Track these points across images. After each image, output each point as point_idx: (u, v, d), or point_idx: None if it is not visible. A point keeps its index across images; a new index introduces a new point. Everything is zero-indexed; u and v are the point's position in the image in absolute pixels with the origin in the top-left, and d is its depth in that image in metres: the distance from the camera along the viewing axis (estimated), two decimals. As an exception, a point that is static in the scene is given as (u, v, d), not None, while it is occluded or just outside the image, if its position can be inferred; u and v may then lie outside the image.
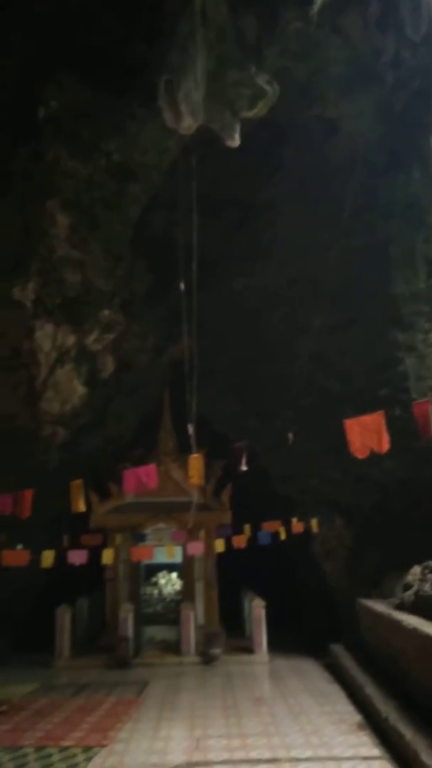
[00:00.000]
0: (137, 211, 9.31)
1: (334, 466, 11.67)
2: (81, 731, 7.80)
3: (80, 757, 6.77)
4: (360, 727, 7.66)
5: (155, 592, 15.24)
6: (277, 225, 10.00)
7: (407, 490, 11.17)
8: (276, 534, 13.01)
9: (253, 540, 13.27)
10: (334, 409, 9.90)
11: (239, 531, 13.44)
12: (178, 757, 6.74)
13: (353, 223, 8.99)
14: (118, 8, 7.60)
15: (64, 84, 8.20)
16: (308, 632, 13.57)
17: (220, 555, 13.73)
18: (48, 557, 11.58)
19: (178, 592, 14.74)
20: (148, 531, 13.81)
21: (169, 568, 15.27)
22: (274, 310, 11.08)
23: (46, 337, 9.77)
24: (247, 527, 13.43)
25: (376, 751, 6.71)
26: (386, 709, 7.30)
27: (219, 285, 10.80)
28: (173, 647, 12.93)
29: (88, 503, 11.03)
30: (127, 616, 12.68)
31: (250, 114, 7.88)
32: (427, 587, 8.44)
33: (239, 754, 6.78)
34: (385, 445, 7.10)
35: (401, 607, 8.98)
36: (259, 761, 6.51)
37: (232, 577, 14.29)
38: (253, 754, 6.75)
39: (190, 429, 8.81)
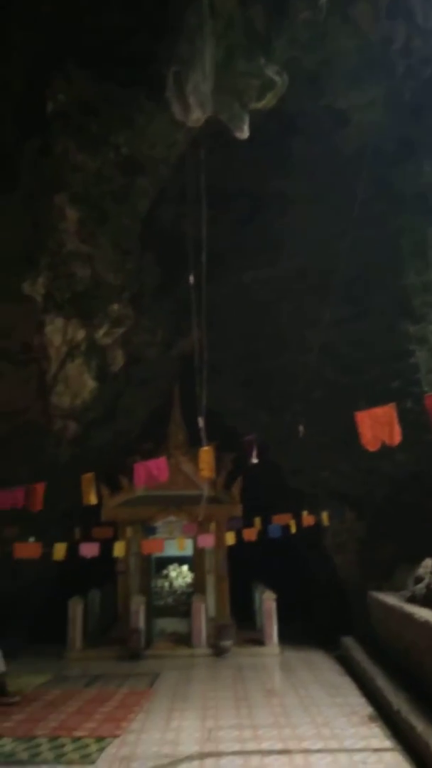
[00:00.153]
0: (146, 205, 9.29)
1: (345, 459, 11.65)
2: (94, 722, 7.88)
3: (93, 747, 6.84)
4: (371, 719, 7.68)
5: (166, 584, 15.32)
6: (287, 217, 9.92)
7: (418, 483, 11.13)
8: (287, 527, 13.01)
9: (263, 533, 13.30)
10: (344, 402, 9.84)
11: (250, 524, 13.47)
12: (190, 748, 6.79)
13: (363, 213, 8.90)
14: (126, 0, 7.55)
15: (72, 77, 8.17)
16: (319, 625, 13.59)
17: (230, 548, 13.77)
18: (60, 550, 11.67)
19: (188, 585, 14.81)
20: (158, 524, 13.87)
21: (180, 560, 15.35)
22: (284, 302, 11.03)
23: (57, 331, 9.79)
24: (257, 520, 13.45)
25: (387, 743, 6.72)
26: (398, 701, 7.31)
27: (228, 278, 10.76)
28: (184, 639, 13.01)
29: (99, 497, 11.09)
30: (138, 609, 12.77)
31: (259, 105, 7.82)
32: (438, 580, 8.42)
33: (251, 745, 6.82)
34: (397, 438, 7.05)
35: (413, 599, 8.96)
36: (270, 752, 6.54)
37: (243, 570, 14.33)
38: (265, 745, 6.79)
39: (201, 422, 8.81)
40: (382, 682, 8.29)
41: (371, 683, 8.68)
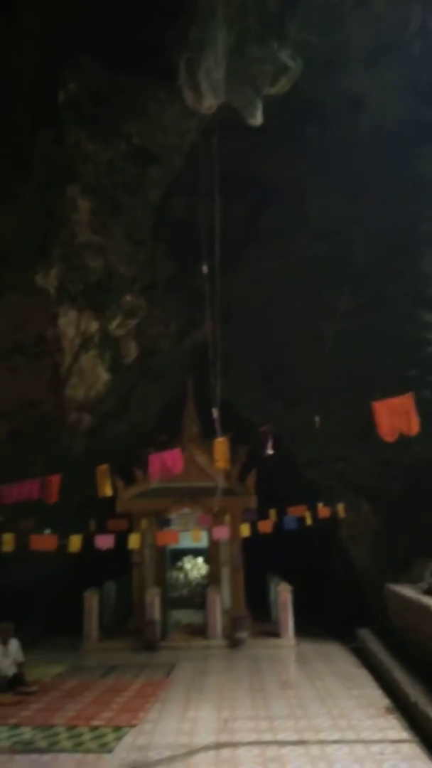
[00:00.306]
0: (158, 195, 9.25)
1: (361, 450, 11.55)
2: (110, 711, 7.91)
3: (110, 737, 6.86)
4: (388, 710, 7.61)
5: (181, 576, 15.35)
6: (301, 204, 9.81)
7: (436, 474, 11.01)
8: (302, 519, 12.95)
9: (279, 525, 13.25)
10: (360, 392, 9.75)
11: (265, 516, 13.42)
12: (206, 738, 6.78)
13: (379, 200, 8.78)
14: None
15: (83, 67, 8.13)
16: (335, 617, 13.54)
17: (246, 540, 13.74)
18: (75, 542, 11.73)
19: (203, 577, 14.82)
20: (173, 516, 13.87)
21: (195, 552, 15.36)
22: (298, 292, 10.93)
23: (70, 323, 9.81)
24: (272, 512, 13.40)
25: (404, 735, 6.66)
26: (415, 693, 7.24)
27: (242, 267, 10.67)
28: (200, 631, 13.02)
29: (114, 489, 11.11)
30: (153, 600, 12.80)
31: (273, 90, 7.72)
32: (456, 572, 8.32)
33: (267, 736, 6.79)
34: (415, 428, 6.95)
35: (430, 591, 8.88)
36: (286, 743, 6.50)
37: (258, 562, 14.31)
38: (281, 736, 6.75)
39: (215, 413, 8.77)
40: (399, 674, 8.22)
41: (388, 675, 8.62)
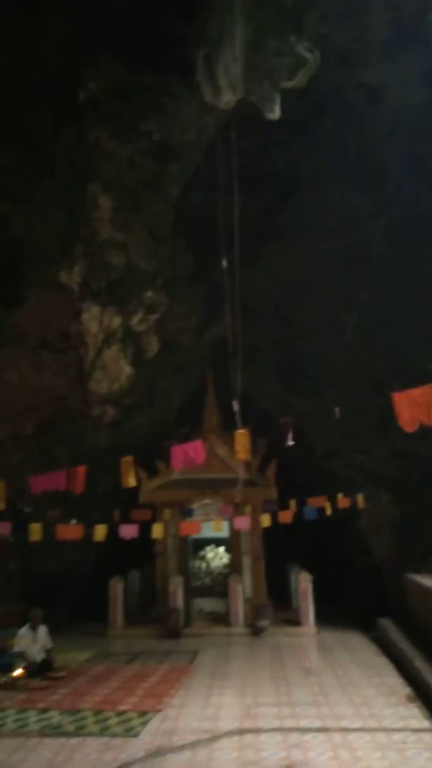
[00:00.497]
0: (178, 191, 9.31)
1: (380, 441, 11.56)
2: (136, 696, 8.12)
3: (136, 721, 7.05)
4: (410, 699, 7.69)
5: (203, 565, 15.55)
6: (320, 198, 9.79)
7: (456, 465, 10.99)
8: (322, 509, 13.03)
9: (299, 515, 13.35)
10: (379, 384, 9.76)
11: (285, 507, 13.53)
12: (230, 724, 6.92)
13: (398, 193, 8.73)
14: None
15: (102, 65, 8.21)
16: (355, 606, 13.63)
17: (266, 530, 13.88)
18: (100, 531, 11.98)
19: (225, 566, 15.01)
20: (195, 506, 14.05)
21: (216, 542, 15.54)
22: (317, 285, 10.92)
23: (93, 319, 9.98)
24: (292, 503, 13.51)
25: (426, 723, 6.73)
26: (436, 682, 7.31)
27: (261, 262, 10.71)
28: (222, 619, 13.23)
29: (137, 480, 11.32)
30: (176, 589, 13.03)
31: (291, 84, 7.72)
32: None
33: (289, 723, 6.91)
34: (435, 419, 6.96)
35: (451, 582, 8.91)
36: (309, 730, 6.62)
37: (279, 552, 14.44)
38: (303, 723, 6.86)
39: (235, 405, 8.87)
40: (420, 663, 8.30)
41: (409, 664, 8.70)
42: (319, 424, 12.48)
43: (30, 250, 8.68)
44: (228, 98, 7.86)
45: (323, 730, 6.60)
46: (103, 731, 6.73)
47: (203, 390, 14.84)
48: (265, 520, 13.56)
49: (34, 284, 8.91)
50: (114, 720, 7.13)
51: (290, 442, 9.47)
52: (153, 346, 11.10)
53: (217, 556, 15.55)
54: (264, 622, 12.56)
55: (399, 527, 12.54)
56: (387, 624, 11.23)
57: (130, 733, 6.65)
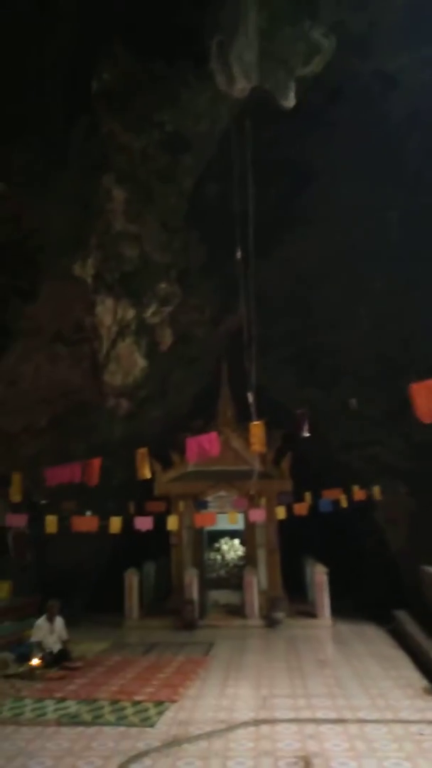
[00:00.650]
0: (191, 182, 9.24)
1: (397, 433, 11.46)
2: (152, 687, 8.17)
3: (152, 711, 7.10)
4: (426, 691, 7.66)
5: (218, 557, 15.60)
6: (334, 188, 9.67)
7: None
8: (337, 501, 12.98)
9: (314, 507, 13.31)
10: (396, 375, 9.67)
11: (300, 499, 13.50)
12: (246, 714, 6.95)
13: (415, 182, 8.60)
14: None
15: (116, 56, 8.14)
16: (371, 598, 13.58)
17: (281, 522, 13.86)
18: (115, 523, 12.05)
19: (240, 558, 15.04)
20: (209, 498, 14.08)
21: (231, 534, 15.57)
22: (332, 275, 10.82)
23: (107, 311, 9.95)
24: (307, 495, 13.47)
25: (443, 716, 6.71)
26: (453, 675, 7.26)
27: (275, 252, 10.62)
28: (237, 611, 13.26)
29: (152, 472, 11.34)
30: (192, 581, 13.08)
31: (306, 71, 7.61)
32: None
33: (305, 714, 6.92)
34: (453, 410, 6.86)
35: (468, 575, 8.83)
36: (325, 721, 6.61)
37: (294, 544, 14.42)
38: (319, 714, 6.87)
39: (250, 397, 8.84)
40: (437, 656, 8.25)
41: (425, 656, 8.65)
42: (334, 416, 12.41)
43: (44, 242, 8.66)
44: (242, 86, 7.77)
45: (339, 721, 6.60)
46: (120, 721, 6.80)
47: (217, 382, 14.84)
48: (280, 513, 13.54)
49: (48, 277, 8.90)
50: (130, 710, 7.18)
51: (306, 434, 9.42)
52: (167, 338, 11.08)
53: (232, 549, 15.58)
54: (279, 614, 12.57)
55: (415, 519, 12.45)
56: (403, 616, 11.19)
57: (146, 722, 6.70)
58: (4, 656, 9.58)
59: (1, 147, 8.03)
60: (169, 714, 7.04)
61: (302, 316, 11.84)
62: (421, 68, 8.23)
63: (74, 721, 6.83)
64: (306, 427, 9.53)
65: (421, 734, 6.12)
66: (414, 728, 6.31)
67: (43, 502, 11.47)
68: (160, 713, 7.03)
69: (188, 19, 7.83)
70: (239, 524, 13.98)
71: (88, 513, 11.47)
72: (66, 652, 9.59)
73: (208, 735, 6.27)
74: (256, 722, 6.66)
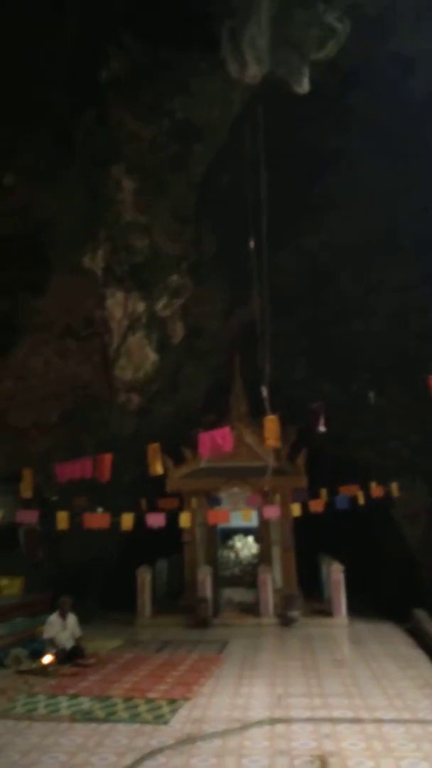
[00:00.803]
0: (202, 171, 9.10)
1: (415, 428, 11.24)
2: (165, 685, 8.06)
3: (165, 709, 6.99)
4: (446, 691, 7.47)
5: (232, 555, 15.45)
6: (349, 175, 9.47)
7: None
8: (354, 498, 12.78)
9: (330, 504, 13.11)
10: (413, 369, 9.45)
11: (316, 496, 13.30)
12: (261, 713, 6.82)
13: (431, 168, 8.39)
14: None
15: (124, 43, 8.03)
16: (388, 597, 13.36)
17: (297, 519, 13.68)
18: (127, 520, 11.94)
19: (254, 556, 14.88)
20: (222, 495, 13.93)
21: (245, 531, 15.41)
22: (348, 265, 10.61)
23: (117, 304, 9.85)
24: (323, 491, 13.27)
25: (463, 717, 6.52)
26: (475, 674, 7.06)
27: (289, 242, 10.43)
28: (251, 609, 13.11)
29: (164, 468, 11.21)
30: (205, 578, 12.95)
31: (320, 55, 7.42)
32: None
33: (321, 713, 6.77)
34: (473, 403, 6.67)
35: None
36: (341, 720, 6.46)
37: (310, 542, 14.24)
38: (336, 714, 6.72)
39: (264, 391, 8.67)
40: (457, 655, 8.04)
41: (445, 656, 8.45)
42: (350, 411, 12.20)
43: (53, 235, 8.57)
44: (254, 72, 7.60)
45: (356, 721, 6.45)
46: (133, 718, 6.70)
47: (230, 376, 14.66)
48: (295, 510, 13.37)
49: (57, 270, 8.81)
50: (143, 707, 7.08)
51: (321, 429, 9.23)
52: (178, 331, 10.94)
53: (246, 546, 15.42)
54: (294, 613, 12.40)
55: (434, 516, 12.22)
56: (421, 615, 10.97)
57: (159, 720, 6.60)
58: (17, 652, 9.53)
59: (10, 139, 7.96)
60: (182, 712, 6.93)
61: (317, 308, 11.63)
62: (437, 51, 8.01)
63: (87, 717, 6.76)
64: (322, 421, 9.34)
65: (442, 735, 5.94)
66: (433, 728, 6.13)
67: (54, 498, 11.39)
68: (174, 711, 6.93)
69: (198, 5, 7.69)
70: (253, 521, 13.81)
71: (100, 509, 11.38)
72: (79, 649, 9.52)
73: (223, 733, 6.16)
74: (272, 721, 6.52)
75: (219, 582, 14.00)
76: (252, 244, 8.34)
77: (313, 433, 9.40)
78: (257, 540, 14.64)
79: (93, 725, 6.50)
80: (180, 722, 6.56)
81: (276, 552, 13.93)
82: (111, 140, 8.42)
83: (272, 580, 13.07)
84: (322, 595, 13.75)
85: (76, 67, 8.07)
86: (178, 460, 14.10)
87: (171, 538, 14.23)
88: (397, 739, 5.85)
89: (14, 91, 7.70)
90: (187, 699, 7.40)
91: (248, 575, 14.37)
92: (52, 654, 9.22)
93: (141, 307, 9.97)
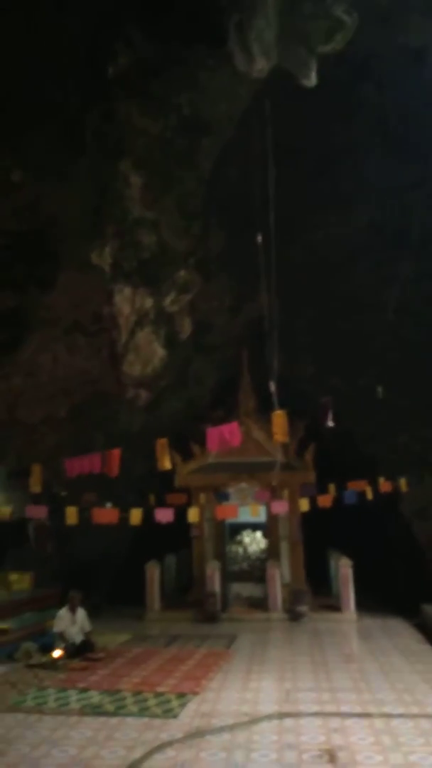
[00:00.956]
0: (210, 166, 9.07)
1: (425, 422, 11.17)
2: (174, 679, 8.10)
3: (174, 703, 7.03)
4: (455, 687, 7.45)
5: (240, 550, 15.47)
6: (358, 169, 9.41)
7: None
8: (362, 493, 12.74)
9: (338, 500, 13.09)
10: (422, 363, 9.41)
11: (324, 491, 13.29)
12: (269, 707, 6.84)
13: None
14: None
15: (131, 39, 8.00)
16: (397, 592, 13.34)
17: (305, 514, 13.67)
18: (136, 515, 11.99)
19: (262, 551, 14.89)
20: (231, 490, 13.95)
21: (253, 526, 15.43)
22: (357, 260, 10.54)
23: (125, 300, 9.84)
24: (331, 486, 13.25)
25: (472, 712, 6.50)
26: None
27: (297, 237, 10.38)
28: (260, 604, 13.13)
29: (172, 463, 11.23)
30: (213, 573, 12.98)
31: (327, 48, 7.35)
32: None
33: (330, 707, 6.79)
34: None
35: None
36: (350, 715, 6.47)
37: (318, 537, 14.23)
38: (344, 708, 6.73)
39: (272, 386, 8.66)
40: (466, 651, 8.02)
41: (454, 651, 8.43)
42: (359, 406, 12.15)
43: (62, 230, 8.58)
44: (261, 66, 7.55)
45: (364, 715, 6.46)
46: (142, 712, 6.74)
47: (238, 372, 14.65)
48: (304, 505, 13.36)
49: (65, 266, 8.82)
50: (152, 701, 7.12)
51: (330, 424, 9.21)
52: (186, 327, 10.94)
53: (254, 541, 15.45)
54: (303, 608, 12.42)
55: (443, 511, 12.17)
56: (430, 610, 10.93)
57: (168, 714, 6.63)
58: (27, 646, 9.60)
59: (17, 135, 7.96)
60: (191, 706, 6.96)
61: (326, 302, 11.57)
62: (447, 43, 7.93)
63: (97, 711, 6.80)
64: (330, 416, 9.32)
65: (451, 730, 5.93)
66: (442, 723, 6.12)
67: (63, 493, 11.45)
68: (183, 705, 6.96)
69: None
70: (261, 517, 13.81)
71: (109, 505, 11.42)
72: (89, 644, 9.58)
73: (232, 727, 6.18)
74: (280, 715, 6.54)
75: (227, 577, 14.04)
76: (260, 239, 8.31)
77: (322, 428, 9.38)
78: (265, 535, 14.66)
79: (102, 719, 6.55)
80: (189, 716, 6.59)
81: (284, 547, 13.94)
82: (119, 136, 8.40)
83: (280, 575, 13.08)
84: (330, 591, 13.75)
85: (84, 63, 8.06)
86: (187, 455, 14.12)
87: (179, 533, 14.28)
88: (405, 733, 5.85)
89: (22, 88, 7.70)
90: (195, 693, 7.43)
91: (257, 570, 14.39)
92: (62, 648, 9.29)
93: (149, 302, 9.97)
